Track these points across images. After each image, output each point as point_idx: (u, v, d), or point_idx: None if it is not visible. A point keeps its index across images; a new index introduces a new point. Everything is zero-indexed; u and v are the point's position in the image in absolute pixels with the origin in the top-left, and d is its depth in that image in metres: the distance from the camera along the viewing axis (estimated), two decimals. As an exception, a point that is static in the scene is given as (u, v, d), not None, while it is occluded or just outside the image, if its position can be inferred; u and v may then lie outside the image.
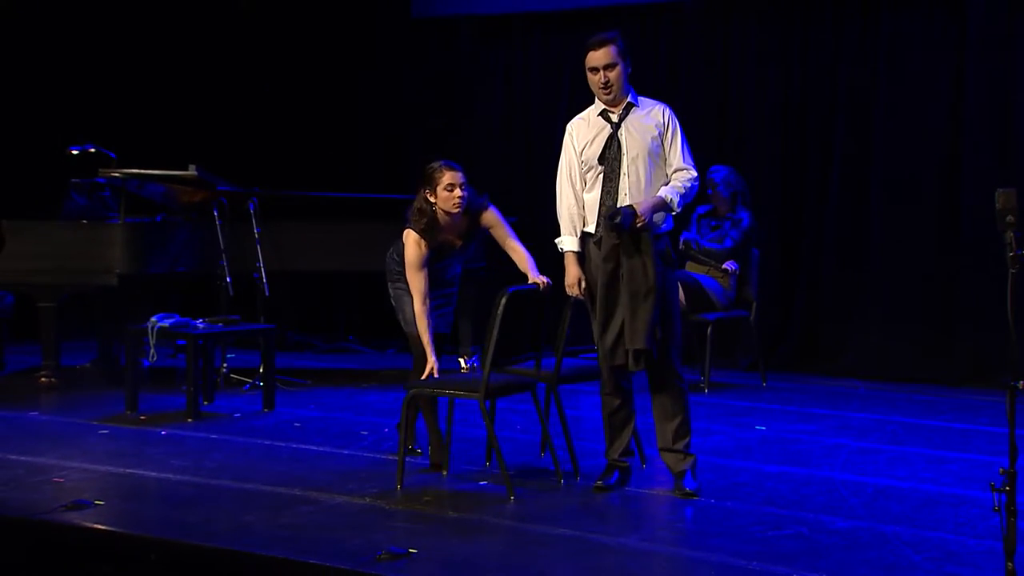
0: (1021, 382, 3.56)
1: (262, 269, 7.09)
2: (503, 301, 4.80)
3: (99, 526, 4.36)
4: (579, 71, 10.19)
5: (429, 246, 5.20)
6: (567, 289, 4.94)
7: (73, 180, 7.72)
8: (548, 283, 5.11)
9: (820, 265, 8.36)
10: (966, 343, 7.77)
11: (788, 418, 6.65)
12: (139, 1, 9.85)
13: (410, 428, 5.40)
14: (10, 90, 9.62)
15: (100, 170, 7.34)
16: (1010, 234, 3.54)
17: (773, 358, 8.17)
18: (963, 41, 7.85)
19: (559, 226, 4.95)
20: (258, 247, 7.12)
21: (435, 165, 5.24)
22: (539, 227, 8.91)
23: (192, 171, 7.12)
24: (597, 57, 4.86)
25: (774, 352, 8.26)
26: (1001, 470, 3.57)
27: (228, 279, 7.02)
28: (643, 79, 9.51)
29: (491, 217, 5.34)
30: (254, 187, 7.59)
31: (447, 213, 5.20)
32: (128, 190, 7.31)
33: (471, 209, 5.27)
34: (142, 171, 7.29)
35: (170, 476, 5.13)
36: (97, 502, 4.64)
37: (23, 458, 5.40)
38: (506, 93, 9.42)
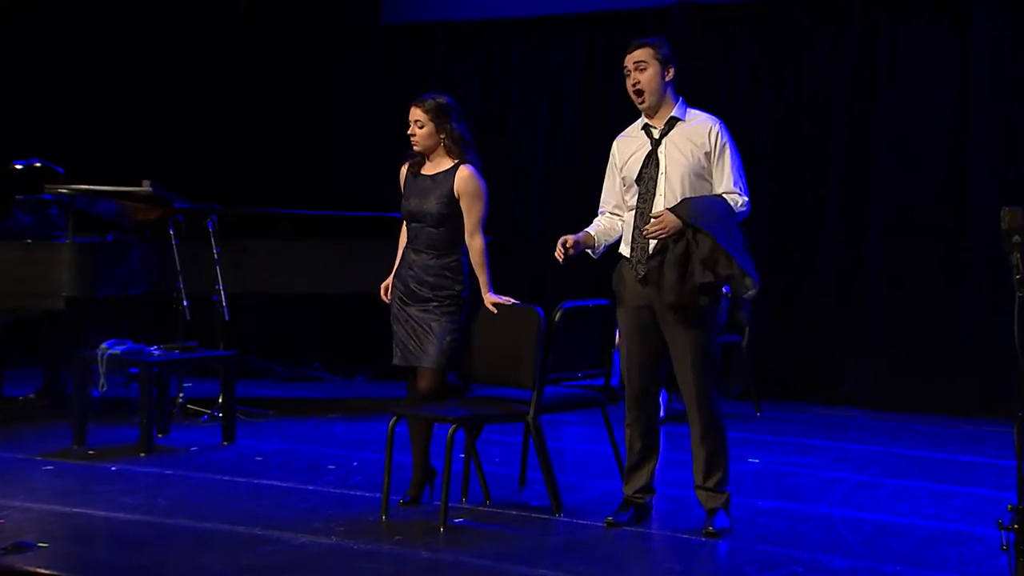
0: (1030, 412, 3.58)
1: (222, 292, 7.07)
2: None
3: (43, 570, 4.31)
4: (560, 80, 10.11)
5: (410, 174, 5.33)
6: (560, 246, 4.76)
7: (17, 197, 7.67)
8: (512, 304, 5.09)
9: (816, 287, 8.39)
10: (971, 370, 7.80)
11: (783, 450, 6.66)
12: (88, 9, 9.83)
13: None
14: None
15: (46, 186, 7.28)
16: (1016, 255, 3.57)
17: (767, 386, 8.18)
18: (968, 53, 7.87)
19: (537, 245, 4.94)
20: (217, 268, 7.10)
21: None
22: (515, 245, 8.95)
23: (146, 187, 7.08)
24: (628, 57, 4.75)
25: (768, 379, 8.27)
26: (1009, 506, 3.58)
27: (185, 302, 6.99)
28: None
29: (462, 181, 5.16)
30: (213, 204, 7.56)
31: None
32: (77, 207, 7.27)
33: (450, 155, 5.22)
34: (92, 187, 7.24)
35: (121, 515, 5.09)
36: (41, 544, 4.59)
37: (-39, 496, 5.36)
38: (482, 103, 9.44)
